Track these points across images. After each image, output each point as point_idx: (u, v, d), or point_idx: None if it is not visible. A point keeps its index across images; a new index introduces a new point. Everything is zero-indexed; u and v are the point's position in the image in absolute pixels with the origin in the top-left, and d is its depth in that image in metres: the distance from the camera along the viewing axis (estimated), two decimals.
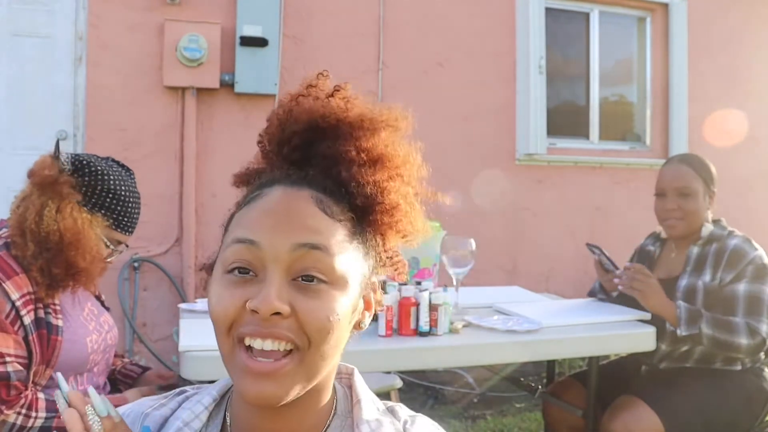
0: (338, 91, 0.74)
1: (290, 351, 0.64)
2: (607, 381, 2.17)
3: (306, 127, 0.71)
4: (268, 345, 0.63)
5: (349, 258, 0.67)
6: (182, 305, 2.18)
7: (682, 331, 1.97)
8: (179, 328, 1.88)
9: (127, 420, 0.75)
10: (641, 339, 1.99)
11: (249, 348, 0.64)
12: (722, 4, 4.98)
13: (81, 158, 1.61)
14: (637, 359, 2.21)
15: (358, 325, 0.73)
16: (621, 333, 2.00)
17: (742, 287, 2.01)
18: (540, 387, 2.37)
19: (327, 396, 0.73)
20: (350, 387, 0.77)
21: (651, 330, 1.98)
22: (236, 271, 0.65)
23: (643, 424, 1.94)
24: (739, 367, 2.10)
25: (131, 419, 0.76)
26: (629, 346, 2.06)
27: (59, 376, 0.79)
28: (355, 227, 0.70)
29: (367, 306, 0.74)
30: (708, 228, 2.15)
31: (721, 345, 1.96)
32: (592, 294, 2.45)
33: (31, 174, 1.59)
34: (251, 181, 0.76)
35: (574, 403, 2.15)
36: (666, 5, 4.82)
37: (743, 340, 1.94)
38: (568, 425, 2.23)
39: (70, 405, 0.72)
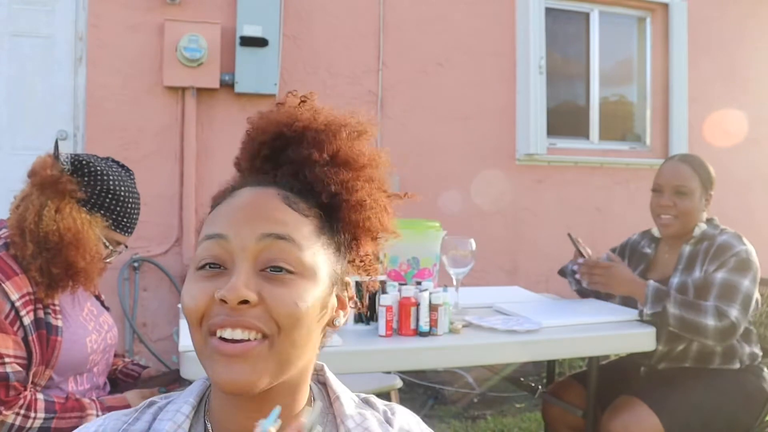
0: (305, 101, 0.78)
1: (261, 339, 0.65)
2: (607, 381, 2.17)
3: (274, 136, 0.74)
4: (238, 334, 0.64)
5: (317, 252, 0.69)
6: None
7: (647, 309, 1.99)
8: (179, 328, 1.88)
9: None
10: (641, 339, 1.99)
11: (220, 339, 0.64)
12: (722, 4, 4.99)
13: (81, 158, 1.61)
14: (637, 360, 2.21)
15: (331, 323, 0.74)
16: (621, 333, 2.00)
17: (719, 275, 2.02)
18: (540, 387, 2.37)
19: (305, 395, 0.74)
20: (324, 383, 0.79)
21: (651, 330, 1.98)
22: (207, 267, 0.67)
23: (642, 424, 1.94)
24: (737, 366, 2.10)
25: None
26: (629, 346, 2.06)
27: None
28: (324, 224, 0.72)
29: (342, 305, 0.75)
30: (701, 228, 2.16)
31: (688, 326, 1.95)
32: (562, 273, 2.46)
33: (31, 174, 1.59)
34: None
35: (574, 403, 2.15)
36: (666, 5, 4.82)
37: (710, 322, 1.93)
38: (568, 425, 2.23)
39: None
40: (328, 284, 0.71)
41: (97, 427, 0.74)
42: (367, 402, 0.79)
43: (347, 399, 0.76)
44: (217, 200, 0.74)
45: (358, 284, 0.79)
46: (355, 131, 0.76)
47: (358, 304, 0.80)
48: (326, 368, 0.80)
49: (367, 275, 0.81)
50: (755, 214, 5.00)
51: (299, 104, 0.77)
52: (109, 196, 1.60)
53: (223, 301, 0.63)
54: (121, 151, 3.60)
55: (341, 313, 0.75)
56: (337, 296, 0.74)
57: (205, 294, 0.65)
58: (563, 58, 4.77)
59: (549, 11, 4.54)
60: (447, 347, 1.81)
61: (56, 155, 1.59)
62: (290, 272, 0.66)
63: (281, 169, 0.74)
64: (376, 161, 0.77)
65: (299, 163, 0.73)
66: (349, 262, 0.77)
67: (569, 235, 2.31)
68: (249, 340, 0.64)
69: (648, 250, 2.31)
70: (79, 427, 0.76)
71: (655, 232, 2.32)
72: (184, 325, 1.88)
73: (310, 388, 0.76)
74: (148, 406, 0.76)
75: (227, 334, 0.64)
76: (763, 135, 5.04)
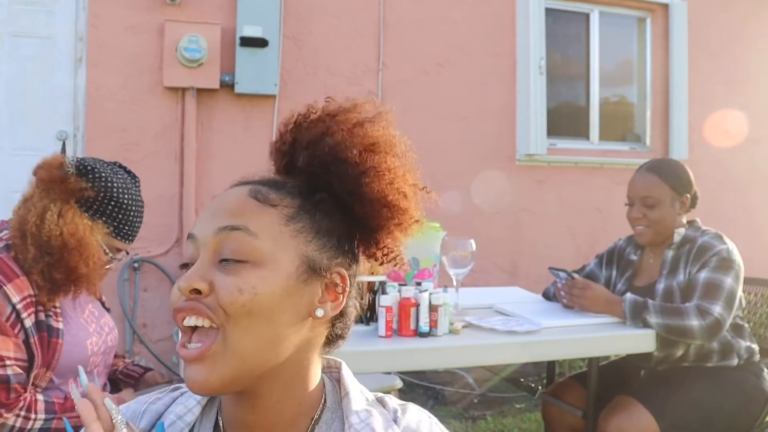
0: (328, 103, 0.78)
1: (215, 331, 0.67)
2: (607, 382, 2.17)
3: (292, 129, 0.76)
4: (192, 321, 0.67)
5: (279, 239, 0.69)
6: None
7: (628, 324, 2.02)
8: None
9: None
10: (641, 340, 1.99)
11: (183, 347, 0.68)
12: (722, 4, 4.99)
13: (86, 163, 1.59)
14: (637, 361, 2.21)
15: (312, 314, 0.72)
16: (621, 334, 2.00)
17: (702, 275, 2.03)
18: (540, 387, 2.37)
19: (308, 387, 0.74)
20: (338, 380, 0.78)
21: (650, 331, 1.98)
22: (186, 267, 0.71)
23: (638, 424, 1.95)
24: (735, 362, 2.10)
25: (129, 417, 0.77)
26: (629, 347, 2.06)
27: (80, 369, 0.81)
28: (300, 213, 0.71)
29: (332, 296, 0.73)
30: (680, 232, 2.17)
31: (674, 331, 1.96)
32: (546, 296, 2.45)
33: (36, 171, 1.58)
34: None
35: (574, 404, 2.16)
36: (666, 5, 4.82)
37: (694, 322, 1.94)
38: (567, 426, 2.23)
39: (85, 396, 0.75)
40: (297, 271, 0.69)
41: (123, 408, 0.78)
42: (380, 401, 0.78)
43: (357, 395, 0.76)
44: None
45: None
46: (368, 118, 0.76)
47: (357, 304, 0.78)
48: (344, 365, 0.80)
49: (395, 267, 0.79)
50: (755, 214, 5.00)
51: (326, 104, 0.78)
52: (112, 203, 1.59)
53: (180, 291, 0.67)
54: (121, 151, 3.60)
55: (329, 305, 0.73)
56: (325, 285, 0.72)
57: (175, 291, 0.69)
58: (563, 59, 4.77)
59: (549, 11, 4.54)
60: (447, 348, 1.81)
61: (62, 158, 1.58)
62: (240, 261, 0.67)
63: (300, 156, 0.75)
64: (395, 149, 0.75)
65: (317, 144, 0.74)
66: (368, 256, 0.77)
67: (552, 269, 2.31)
68: (203, 327, 0.67)
69: (633, 257, 2.32)
70: None
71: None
72: None
73: (323, 383, 0.76)
74: (172, 390, 0.80)
75: (185, 322, 0.67)
76: (763, 135, 5.04)
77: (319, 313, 0.72)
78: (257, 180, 0.75)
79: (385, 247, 0.77)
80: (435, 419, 0.78)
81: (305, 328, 0.72)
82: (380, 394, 0.80)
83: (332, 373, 0.80)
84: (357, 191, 0.72)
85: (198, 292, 0.67)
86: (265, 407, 0.71)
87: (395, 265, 0.79)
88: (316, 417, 0.73)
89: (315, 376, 0.75)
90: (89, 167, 1.58)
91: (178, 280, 0.69)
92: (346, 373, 0.79)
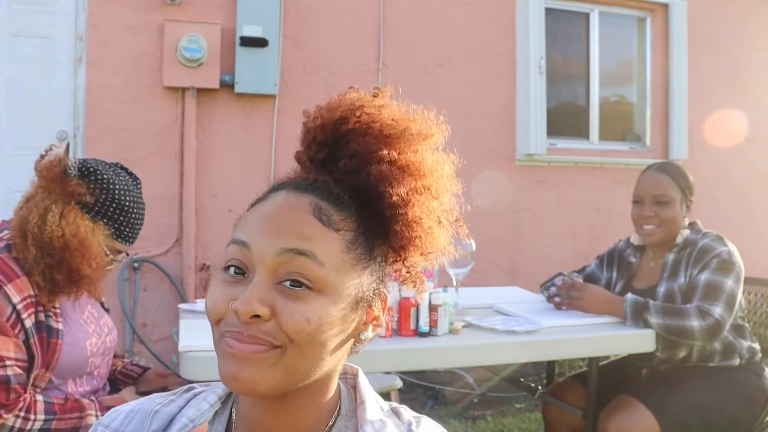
0: (376, 96, 0.74)
1: (272, 347, 0.65)
2: (607, 382, 2.17)
3: (335, 124, 0.72)
4: (246, 349, 0.64)
5: (342, 268, 0.67)
6: (182, 305, 2.18)
7: (629, 324, 2.02)
8: (179, 328, 1.88)
9: (136, 417, 0.76)
10: (641, 340, 1.99)
11: (233, 339, 0.65)
12: (722, 4, 4.98)
13: (88, 164, 1.59)
14: (638, 361, 2.21)
15: (357, 337, 0.72)
16: (621, 334, 2.00)
17: (703, 276, 2.04)
18: (540, 387, 2.37)
19: (329, 395, 0.73)
20: (354, 387, 0.77)
21: (650, 331, 1.98)
22: (231, 270, 0.67)
23: (638, 423, 1.95)
24: (737, 362, 2.10)
25: (141, 416, 0.76)
26: (629, 346, 2.06)
27: None
28: (358, 238, 0.69)
29: (370, 318, 0.73)
30: (683, 235, 2.17)
31: (674, 331, 1.96)
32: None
33: (38, 170, 1.57)
34: None
35: (574, 404, 2.16)
36: (666, 5, 4.82)
37: (695, 323, 1.94)
38: (567, 426, 2.23)
39: None
40: (352, 300, 0.68)
41: (134, 406, 0.77)
42: (395, 412, 0.77)
43: (372, 404, 0.75)
44: (256, 200, 0.72)
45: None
46: (422, 134, 0.73)
47: (384, 322, 0.76)
48: (361, 373, 0.79)
49: (413, 286, 0.78)
50: (755, 214, 5.00)
51: (372, 97, 0.73)
52: (114, 205, 1.59)
53: (236, 312, 0.64)
54: (121, 151, 3.60)
55: (370, 327, 0.73)
56: (368, 309, 0.72)
57: (224, 301, 0.65)
58: (563, 59, 4.77)
59: (549, 11, 4.54)
60: (447, 348, 1.81)
61: (65, 157, 1.58)
62: (308, 288, 0.65)
63: (341, 162, 0.71)
64: (440, 171, 0.73)
65: (364, 156, 0.70)
66: (394, 270, 0.75)
67: (544, 286, 2.30)
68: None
69: (633, 259, 2.32)
70: (116, 407, 0.79)
71: (635, 240, 2.33)
72: (184, 326, 1.88)
73: (338, 390, 0.75)
74: (186, 391, 0.79)
75: (236, 346, 0.64)
76: (763, 135, 5.04)
77: (364, 336, 0.73)
78: (313, 188, 0.70)
79: (411, 266, 0.76)
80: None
81: (348, 346, 0.72)
82: (395, 405, 0.79)
83: (348, 379, 0.79)
84: (400, 213, 0.71)
85: (257, 316, 0.64)
86: (288, 412, 0.70)
87: (414, 284, 0.78)
88: (330, 424, 0.73)
89: (335, 382, 0.74)
90: (91, 169, 1.58)
91: (219, 289, 0.66)
92: (363, 381, 0.78)
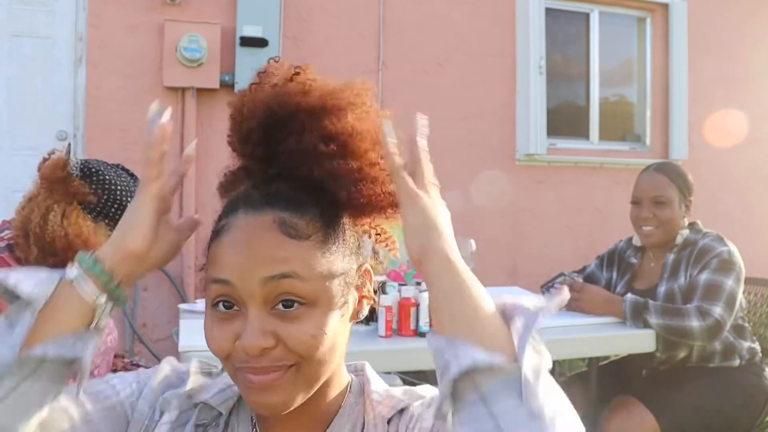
0: (297, 74, 0.71)
1: (287, 367, 0.66)
2: (607, 382, 2.17)
3: (263, 120, 0.69)
4: (266, 379, 0.66)
5: (324, 270, 0.67)
6: (182, 305, 2.18)
7: (629, 324, 2.02)
8: (179, 328, 1.88)
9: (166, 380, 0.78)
10: (641, 340, 1.99)
11: (249, 372, 0.67)
12: (722, 4, 4.98)
13: (90, 165, 1.59)
14: (638, 361, 2.21)
15: (355, 316, 0.74)
16: (621, 334, 2.00)
17: (703, 276, 2.04)
18: None
19: (342, 375, 0.76)
20: (362, 373, 0.80)
21: (650, 331, 1.98)
22: (221, 305, 0.68)
23: (638, 423, 1.95)
24: (737, 362, 2.10)
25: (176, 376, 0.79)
26: (629, 346, 2.06)
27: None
28: (328, 232, 0.69)
29: (362, 297, 0.75)
30: (683, 235, 2.17)
31: (674, 331, 1.96)
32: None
33: (40, 170, 1.58)
34: (234, 187, 0.76)
35: (574, 404, 2.15)
36: (666, 5, 4.82)
37: (694, 323, 1.94)
38: None
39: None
40: (343, 291, 0.70)
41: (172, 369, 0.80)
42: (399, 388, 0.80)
43: (377, 381, 0.78)
44: (217, 229, 0.72)
45: None
46: (355, 104, 0.70)
47: (372, 292, 0.77)
48: (367, 365, 0.81)
49: (385, 246, 0.79)
50: (755, 214, 5.00)
51: (291, 78, 0.71)
52: (116, 205, 1.59)
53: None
54: (121, 151, 3.60)
55: (364, 302, 0.75)
56: (356, 289, 0.73)
57: (227, 339, 0.67)
58: (563, 59, 4.77)
59: (549, 11, 4.54)
60: None
61: (67, 159, 1.58)
62: (301, 303, 0.66)
63: (281, 161, 0.70)
64: (369, 128, 0.70)
65: (302, 154, 0.69)
66: (363, 232, 0.76)
67: (544, 286, 2.30)
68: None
69: (633, 260, 2.32)
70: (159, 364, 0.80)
71: (636, 241, 2.33)
72: (184, 326, 1.88)
73: (351, 382, 0.78)
74: (204, 374, 0.80)
75: (254, 378, 0.66)
76: (763, 135, 5.04)
77: (363, 313, 0.75)
78: (268, 201, 0.68)
79: (378, 228, 0.78)
80: None
81: (349, 328, 0.74)
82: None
83: (358, 373, 0.81)
84: (358, 197, 0.71)
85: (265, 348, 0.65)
86: (310, 399, 0.71)
87: (387, 247, 0.79)
88: (343, 400, 0.76)
89: (344, 360, 0.76)
90: (93, 169, 1.58)
91: (217, 330, 0.67)
92: (369, 369, 0.81)
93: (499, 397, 0.56)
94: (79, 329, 0.66)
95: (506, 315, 0.61)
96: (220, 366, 0.79)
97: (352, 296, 0.72)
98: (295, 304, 0.66)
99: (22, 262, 1.53)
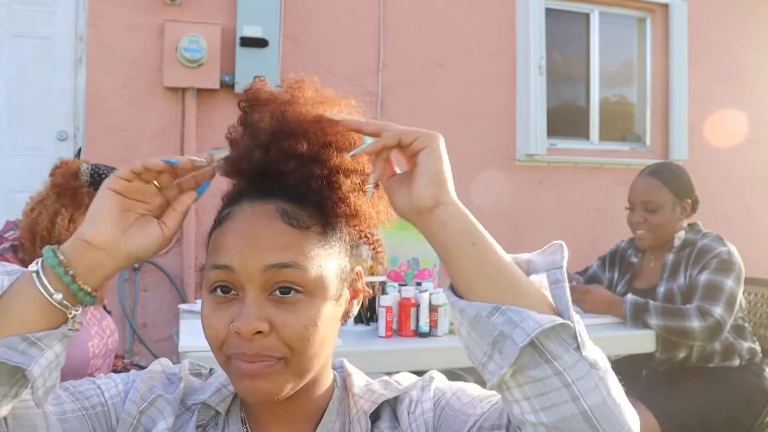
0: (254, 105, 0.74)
1: (277, 359, 0.68)
2: None
3: (270, 137, 0.71)
4: (256, 367, 0.68)
5: (322, 262, 0.70)
6: (182, 306, 2.18)
7: (629, 325, 2.03)
8: (179, 328, 1.88)
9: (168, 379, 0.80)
10: (641, 340, 2.00)
11: (241, 361, 0.68)
12: (722, 4, 4.98)
13: (100, 171, 1.61)
14: (637, 361, 2.21)
15: (346, 315, 0.76)
16: (621, 334, 2.01)
17: (703, 277, 2.04)
18: None
19: (327, 378, 0.78)
20: (342, 368, 0.83)
21: (650, 332, 1.99)
22: (219, 290, 0.69)
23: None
24: (737, 362, 2.10)
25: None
26: (629, 347, 2.06)
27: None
28: (326, 226, 0.72)
29: (354, 294, 0.77)
30: (680, 237, 2.18)
31: (675, 332, 1.97)
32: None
33: (53, 174, 1.59)
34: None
35: None
36: (666, 5, 4.82)
37: (695, 323, 1.94)
38: None
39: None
40: (338, 286, 0.72)
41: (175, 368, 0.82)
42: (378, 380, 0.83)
43: (357, 376, 0.81)
44: (220, 218, 0.74)
45: None
46: (327, 107, 0.74)
47: (363, 291, 0.80)
48: (344, 360, 0.84)
49: (372, 249, 0.83)
50: (755, 214, 5.00)
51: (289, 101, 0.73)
52: None
53: (238, 332, 0.67)
54: (121, 152, 3.60)
55: (355, 302, 0.77)
56: (349, 287, 0.75)
57: (222, 325, 0.68)
58: (563, 59, 4.77)
59: (549, 11, 4.54)
60: (447, 348, 1.81)
61: (79, 167, 1.59)
62: (298, 291, 0.68)
63: (285, 167, 0.71)
64: (342, 134, 0.73)
65: (298, 181, 0.71)
66: (356, 249, 0.79)
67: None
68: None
69: (634, 259, 2.33)
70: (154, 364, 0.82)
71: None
72: (184, 326, 1.88)
73: (335, 378, 0.80)
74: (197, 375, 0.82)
75: (244, 366, 0.68)
76: (763, 135, 5.04)
77: (353, 312, 0.77)
78: (273, 192, 0.71)
79: (369, 232, 0.80)
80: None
81: (338, 326, 0.76)
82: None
83: (337, 369, 0.83)
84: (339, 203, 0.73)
85: (259, 332, 0.67)
86: (299, 397, 0.73)
87: (374, 248, 0.83)
88: (331, 394, 0.78)
89: (332, 355, 0.78)
90: (104, 175, 1.60)
91: (214, 314, 0.69)
92: (347, 363, 0.84)
93: (560, 354, 0.61)
94: (39, 330, 0.63)
95: (528, 270, 0.69)
96: (208, 368, 0.82)
97: (345, 293, 0.74)
98: (292, 291, 0.68)
99: (26, 263, 1.53)
